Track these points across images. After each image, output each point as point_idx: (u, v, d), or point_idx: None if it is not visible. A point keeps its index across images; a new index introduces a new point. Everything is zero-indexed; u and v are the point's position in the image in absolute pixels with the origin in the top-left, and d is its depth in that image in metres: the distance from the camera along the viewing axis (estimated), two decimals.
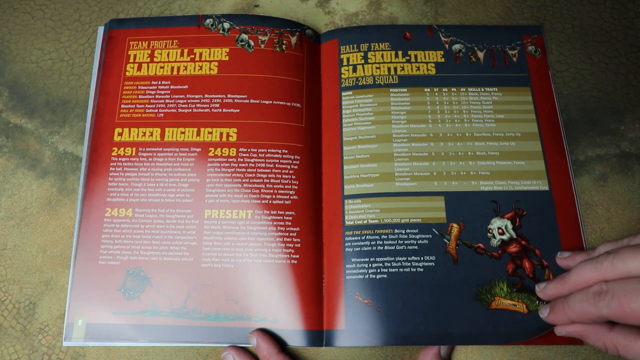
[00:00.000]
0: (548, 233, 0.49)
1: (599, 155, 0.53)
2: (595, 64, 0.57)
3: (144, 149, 0.52)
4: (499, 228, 0.49)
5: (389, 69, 0.56)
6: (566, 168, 0.52)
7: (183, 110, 0.53)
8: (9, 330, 0.48)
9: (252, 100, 0.53)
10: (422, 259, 0.48)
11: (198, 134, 0.52)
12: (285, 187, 0.50)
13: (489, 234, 0.49)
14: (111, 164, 0.51)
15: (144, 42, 0.56)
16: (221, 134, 0.52)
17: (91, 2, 0.60)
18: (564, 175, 0.51)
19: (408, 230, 0.49)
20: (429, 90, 0.55)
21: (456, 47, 0.57)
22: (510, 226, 0.49)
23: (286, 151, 0.51)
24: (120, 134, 0.52)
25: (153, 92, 0.54)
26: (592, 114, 0.55)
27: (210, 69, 0.55)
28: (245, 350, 0.47)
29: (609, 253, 0.39)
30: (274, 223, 0.49)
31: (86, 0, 0.60)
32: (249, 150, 0.51)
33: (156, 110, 0.53)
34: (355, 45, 0.57)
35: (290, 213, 0.50)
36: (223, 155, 0.51)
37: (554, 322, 0.44)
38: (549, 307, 0.44)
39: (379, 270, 0.48)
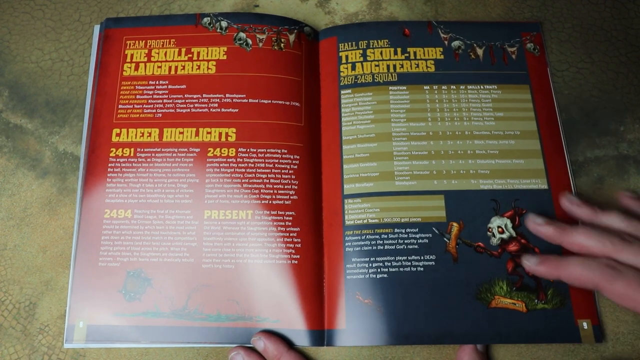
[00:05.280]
0: None
1: (598, 156, 0.53)
2: (596, 63, 0.57)
3: (142, 150, 0.51)
4: (498, 227, 0.49)
5: (388, 66, 0.55)
6: (565, 166, 0.52)
7: (181, 110, 0.53)
8: (9, 331, 0.48)
9: (250, 100, 0.53)
10: (422, 258, 0.48)
11: (197, 134, 0.52)
12: (285, 187, 0.50)
13: (488, 232, 0.49)
14: (109, 165, 0.51)
15: (141, 42, 0.56)
16: (220, 134, 0.52)
17: (91, 2, 0.60)
18: (562, 174, 0.51)
19: (408, 230, 0.49)
20: (428, 88, 0.54)
21: (455, 43, 0.56)
22: (509, 225, 0.49)
23: (285, 151, 0.51)
24: (118, 135, 0.52)
25: (151, 92, 0.54)
26: (592, 113, 0.55)
27: (208, 68, 0.54)
28: (253, 350, 0.46)
29: (623, 239, 0.42)
30: (274, 223, 0.49)
31: (86, 0, 0.60)
32: (248, 150, 0.51)
33: (154, 111, 0.53)
34: (353, 43, 0.56)
35: (291, 213, 0.50)
36: (222, 155, 0.51)
37: (539, 273, 0.45)
38: (539, 258, 0.45)
39: (379, 270, 0.48)
